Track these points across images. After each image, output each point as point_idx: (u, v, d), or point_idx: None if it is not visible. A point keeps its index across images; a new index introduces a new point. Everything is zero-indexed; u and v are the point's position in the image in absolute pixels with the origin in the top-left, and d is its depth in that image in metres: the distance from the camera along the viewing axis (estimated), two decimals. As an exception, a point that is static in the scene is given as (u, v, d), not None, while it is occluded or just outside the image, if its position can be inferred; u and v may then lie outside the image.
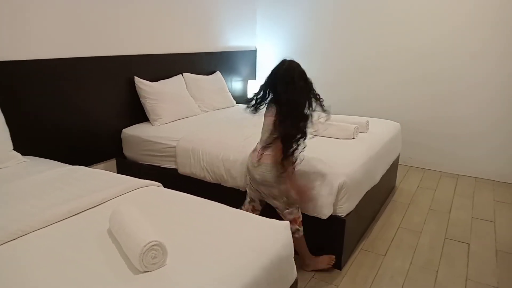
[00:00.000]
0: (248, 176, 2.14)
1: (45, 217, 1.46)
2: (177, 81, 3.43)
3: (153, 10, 3.26)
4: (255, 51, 4.73)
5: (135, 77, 3.08)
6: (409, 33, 3.76)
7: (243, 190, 2.41)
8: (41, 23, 2.45)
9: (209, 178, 2.56)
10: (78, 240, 1.36)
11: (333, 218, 2.12)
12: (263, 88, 1.99)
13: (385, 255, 2.37)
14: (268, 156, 1.95)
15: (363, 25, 3.99)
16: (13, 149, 2.20)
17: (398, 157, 3.29)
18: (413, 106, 3.88)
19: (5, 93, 2.28)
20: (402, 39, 3.81)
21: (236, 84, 4.46)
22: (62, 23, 2.57)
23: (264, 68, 4.72)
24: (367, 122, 2.84)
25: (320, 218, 2.11)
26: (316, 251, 2.24)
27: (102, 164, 2.98)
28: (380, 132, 2.88)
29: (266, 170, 1.96)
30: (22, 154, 2.23)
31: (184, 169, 2.68)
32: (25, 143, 2.37)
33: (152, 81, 3.18)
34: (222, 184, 2.51)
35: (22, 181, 1.84)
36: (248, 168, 2.09)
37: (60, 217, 1.50)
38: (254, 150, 2.06)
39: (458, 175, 3.77)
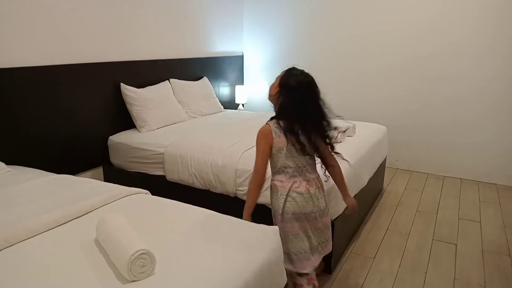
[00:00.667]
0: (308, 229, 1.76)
1: (30, 227, 1.43)
2: (164, 87, 3.42)
3: (139, 16, 3.24)
4: (242, 56, 4.74)
5: (121, 84, 3.06)
6: (397, 36, 3.82)
7: (232, 195, 2.41)
8: (25, 30, 2.41)
9: (197, 184, 2.55)
10: (65, 250, 1.34)
11: (322, 222, 2.13)
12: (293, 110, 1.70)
13: (374, 258, 2.38)
14: (319, 179, 1.81)
15: (348, 29, 4.04)
16: (-4, 159, 2.16)
17: (385, 160, 3.33)
18: (398, 109, 3.94)
19: (-13, 101, 2.24)
20: (389, 42, 3.87)
21: (224, 90, 4.46)
22: (47, 30, 2.54)
23: (252, 73, 4.74)
24: (354, 125, 2.87)
25: (309, 222, 2.11)
26: (306, 255, 2.24)
27: (88, 172, 2.94)
28: (367, 136, 2.91)
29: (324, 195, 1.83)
30: (6, 163, 2.19)
31: (172, 176, 2.66)
32: (10, 152, 2.33)
33: (138, 87, 3.16)
34: (211, 190, 2.50)
35: (6, 191, 1.80)
36: (312, 210, 1.74)
37: (46, 227, 1.47)
38: (306, 180, 1.73)
39: (444, 176, 3.82)
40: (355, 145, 2.64)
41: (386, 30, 3.84)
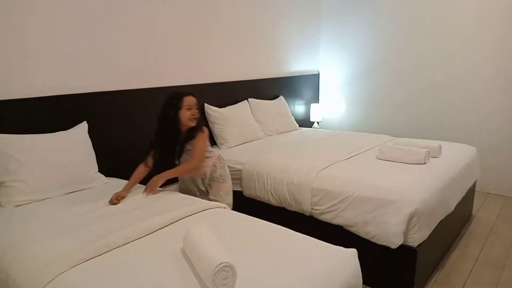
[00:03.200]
0: None
1: (126, 234, 1.59)
2: (243, 106, 3.57)
3: (220, 41, 3.45)
4: (318, 74, 4.76)
5: (205, 104, 3.26)
6: (487, 46, 3.55)
7: (308, 214, 2.41)
8: (119, 57, 2.72)
9: (273, 201, 2.59)
10: (154, 257, 1.45)
11: (404, 248, 2.02)
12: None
13: (462, 290, 2.19)
14: None
15: (431, 42, 3.84)
16: (98, 171, 2.42)
17: (474, 184, 3.06)
18: (489, 127, 3.61)
19: (91, 120, 2.53)
20: (480, 54, 3.59)
21: (299, 108, 4.50)
22: (136, 56, 2.82)
23: (327, 91, 4.72)
24: (439, 146, 2.69)
25: (389, 248, 2.02)
26: (385, 282, 2.14)
27: (173, 186, 3.14)
28: (455, 157, 2.72)
29: None
30: (106, 175, 2.44)
31: (249, 192, 2.74)
32: (108, 165, 2.58)
33: (220, 107, 3.34)
34: (286, 208, 2.53)
35: (105, 201, 2.01)
36: None
37: (139, 234, 1.61)
38: None
39: (547, 204, 3.40)
40: (441, 167, 2.48)
41: (477, 40, 3.58)
